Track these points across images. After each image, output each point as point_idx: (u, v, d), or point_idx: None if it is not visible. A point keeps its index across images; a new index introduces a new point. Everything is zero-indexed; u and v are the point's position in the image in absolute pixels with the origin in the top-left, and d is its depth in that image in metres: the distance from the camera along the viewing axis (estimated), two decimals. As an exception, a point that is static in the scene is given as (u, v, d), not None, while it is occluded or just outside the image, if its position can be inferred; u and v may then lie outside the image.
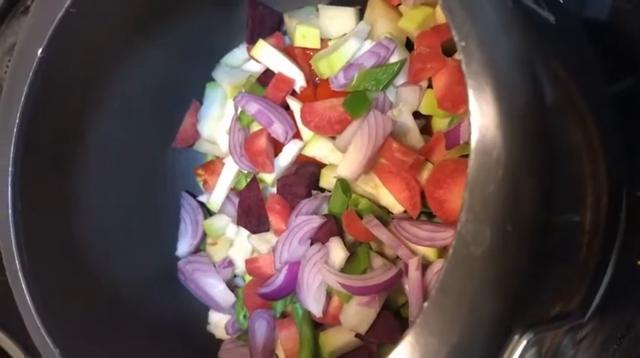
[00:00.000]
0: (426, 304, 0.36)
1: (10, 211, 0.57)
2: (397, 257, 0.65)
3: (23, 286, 0.55)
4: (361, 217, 0.63)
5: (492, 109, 0.35)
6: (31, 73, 0.58)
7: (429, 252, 0.62)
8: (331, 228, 0.65)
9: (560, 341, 0.42)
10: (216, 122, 0.78)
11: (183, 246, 0.79)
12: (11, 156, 0.58)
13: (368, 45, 0.66)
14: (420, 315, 0.36)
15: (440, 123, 0.65)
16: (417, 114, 0.65)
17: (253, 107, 0.69)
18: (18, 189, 0.58)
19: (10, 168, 0.58)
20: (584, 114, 0.48)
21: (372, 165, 0.63)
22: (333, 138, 0.67)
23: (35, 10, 0.59)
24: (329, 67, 0.67)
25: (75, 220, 0.67)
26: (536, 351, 0.37)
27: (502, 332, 0.36)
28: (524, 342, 0.36)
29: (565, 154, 0.44)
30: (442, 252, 0.63)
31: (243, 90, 0.74)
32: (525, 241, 0.35)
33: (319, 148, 0.67)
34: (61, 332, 0.58)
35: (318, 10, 0.75)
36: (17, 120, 0.58)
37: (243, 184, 0.76)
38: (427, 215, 0.64)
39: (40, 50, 0.57)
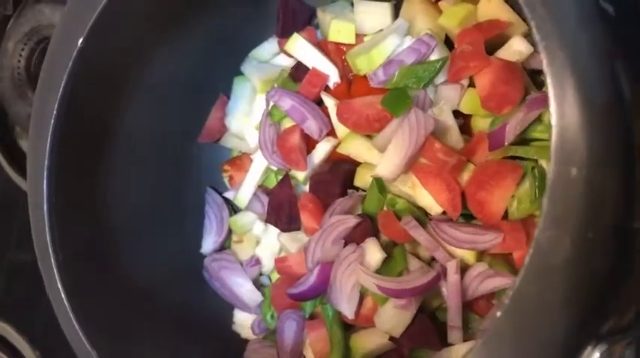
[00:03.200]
0: (499, 313, 0.35)
1: (45, 206, 0.55)
2: (432, 259, 0.64)
3: (57, 281, 0.53)
4: (399, 218, 0.62)
5: (575, 111, 0.33)
6: (70, 63, 0.56)
7: (468, 255, 0.61)
8: (367, 228, 0.63)
9: (622, 354, 0.40)
10: (244, 117, 0.76)
11: (208, 243, 0.77)
12: (47, 148, 0.57)
13: (408, 41, 0.65)
14: (491, 325, 0.35)
15: (481, 123, 0.63)
16: (455, 114, 0.63)
17: (287, 103, 0.67)
18: (53, 183, 0.57)
19: (46, 161, 0.56)
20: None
21: (410, 165, 0.61)
22: (369, 136, 0.66)
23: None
24: (368, 63, 0.65)
25: (104, 214, 0.66)
26: (607, 363, 0.35)
27: (577, 344, 0.35)
28: (597, 354, 0.34)
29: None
30: (481, 255, 0.62)
31: (276, 85, 0.72)
32: (607, 248, 0.34)
33: (355, 146, 0.66)
34: (91, 324, 0.56)
35: (352, 4, 0.73)
36: (55, 112, 0.57)
37: (271, 181, 0.74)
38: (464, 217, 0.62)
39: (80, 40, 0.56)
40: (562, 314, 0.34)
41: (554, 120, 0.34)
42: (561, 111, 0.34)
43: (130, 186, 0.72)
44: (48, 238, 0.54)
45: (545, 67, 0.35)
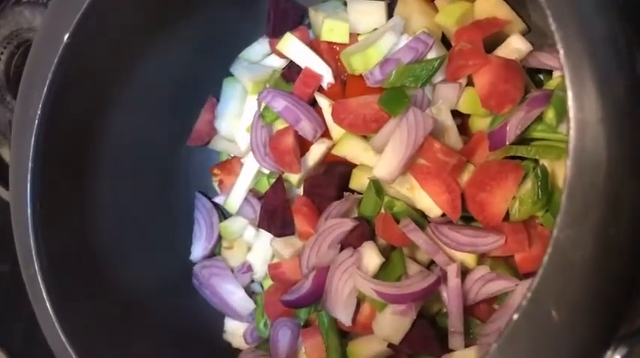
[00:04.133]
0: (516, 316, 0.33)
1: (29, 212, 0.52)
2: (431, 263, 0.62)
3: (42, 291, 0.50)
4: (397, 221, 0.60)
5: (594, 103, 0.32)
6: (55, 60, 0.53)
7: (468, 259, 0.59)
8: (364, 231, 0.62)
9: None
10: (234, 119, 0.74)
11: (198, 250, 0.75)
12: (31, 151, 0.54)
13: (404, 40, 0.63)
14: (508, 327, 0.33)
15: (479, 123, 0.62)
16: (453, 113, 0.62)
17: (280, 104, 0.66)
18: (37, 188, 0.54)
19: (30, 164, 0.53)
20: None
21: (409, 166, 0.60)
22: (365, 137, 0.64)
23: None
24: (363, 62, 0.63)
25: (90, 220, 0.63)
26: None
27: (597, 346, 0.33)
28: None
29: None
30: (481, 258, 0.60)
31: (268, 86, 0.70)
32: (628, 244, 0.32)
33: (351, 147, 0.64)
34: (78, 335, 0.54)
35: (344, 3, 0.72)
36: (38, 115, 0.54)
37: (262, 185, 0.72)
38: (464, 219, 0.61)
39: (66, 36, 0.53)
40: (582, 315, 0.32)
41: (572, 114, 0.33)
42: (580, 104, 0.32)
43: (116, 192, 0.70)
44: (32, 247, 0.52)
45: (562, 58, 0.33)
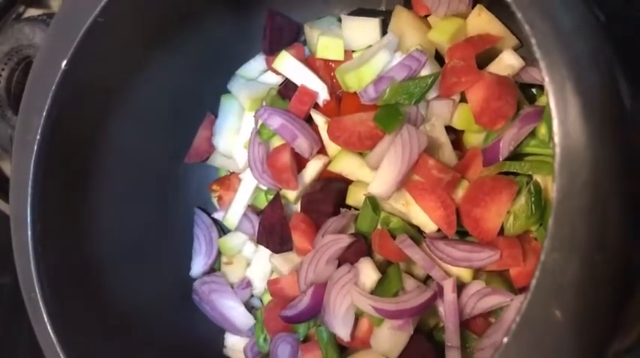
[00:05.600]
0: (506, 339, 0.34)
1: (29, 235, 0.53)
2: (427, 277, 0.63)
3: (43, 313, 0.51)
4: (393, 236, 0.61)
5: (578, 126, 0.32)
6: (53, 87, 0.54)
7: (464, 273, 0.60)
8: (361, 247, 0.62)
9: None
10: (232, 135, 0.75)
11: (198, 266, 0.75)
12: (30, 176, 0.55)
13: (398, 57, 0.64)
14: (499, 352, 0.33)
15: (473, 139, 0.62)
16: (447, 129, 0.63)
17: (276, 121, 0.66)
18: (37, 212, 0.55)
19: (29, 190, 0.54)
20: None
21: (404, 182, 0.60)
22: (361, 153, 0.65)
23: (58, 19, 0.56)
24: (357, 80, 0.64)
25: (89, 239, 0.64)
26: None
27: (586, 367, 0.34)
28: (606, 378, 0.33)
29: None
30: (477, 272, 0.61)
31: (265, 103, 0.71)
32: (613, 269, 0.33)
33: (347, 164, 0.64)
34: (78, 354, 0.54)
35: (339, 20, 0.73)
36: (38, 137, 0.55)
37: (261, 200, 0.73)
38: (459, 234, 0.61)
39: (64, 62, 0.54)
40: (571, 338, 0.33)
41: (557, 138, 0.33)
42: (565, 129, 0.33)
43: (116, 210, 0.70)
44: (33, 271, 0.52)
45: (547, 85, 0.34)
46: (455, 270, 0.60)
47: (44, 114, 0.58)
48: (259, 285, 0.72)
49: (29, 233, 0.54)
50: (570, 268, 0.32)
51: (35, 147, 0.55)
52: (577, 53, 0.34)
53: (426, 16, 0.67)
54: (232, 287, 0.73)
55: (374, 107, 0.64)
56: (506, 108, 0.57)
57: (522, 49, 0.63)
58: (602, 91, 0.34)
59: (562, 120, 0.33)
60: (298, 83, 0.69)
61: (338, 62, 0.69)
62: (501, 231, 0.58)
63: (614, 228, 0.33)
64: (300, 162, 0.68)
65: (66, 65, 0.54)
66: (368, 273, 0.60)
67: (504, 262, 0.57)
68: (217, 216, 0.77)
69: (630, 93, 0.36)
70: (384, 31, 0.69)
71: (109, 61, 0.64)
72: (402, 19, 0.67)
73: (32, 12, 0.94)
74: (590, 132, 0.33)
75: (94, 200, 0.68)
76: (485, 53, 0.61)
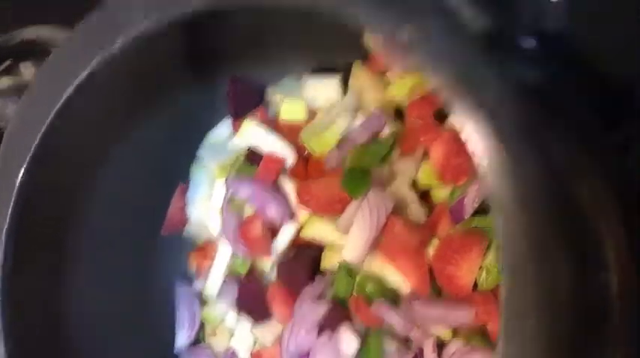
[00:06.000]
0: None
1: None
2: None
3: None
4: (370, 301, 0.60)
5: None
6: (25, 164, 0.55)
7: (444, 332, 0.59)
8: (338, 313, 0.62)
9: None
10: (205, 203, 0.75)
11: (182, 338, 0.75)
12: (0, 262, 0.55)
13: (360, 117, 0.64)
14: None
15: (440, 193, 0.62)
16: (416, 184, 0.63)
17: (245, 192, 0.66)
18: (8, 279, 0.55)
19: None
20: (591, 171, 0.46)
21: (376, 245, 0.60)
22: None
23: (32, 91, 0.57)
24: (322, 145, 0.64)
25: (63, 316, 0.63)
26: None
27: None
28: None
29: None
30: (457, 329, 0.60)
31: (232, 172, 0.71)
32: (576, 317, 0.33)
33: (318, 229, 0.64)
34: None
35: (300, 79, 0.73)
36: (8, 218, 0.56)
37: (239, 266, 0.73)
38: (436, 291, 0.61)
39: (23, 168, 0.55)
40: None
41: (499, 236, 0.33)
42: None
43: (92, 284, 0.70)
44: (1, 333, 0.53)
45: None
46: (434, 329, 0.59)
47: (10, 206, 0.59)
48: (244, 356, 0.71)
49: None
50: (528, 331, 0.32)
51: (3, 235, 0.56)
52: (508, 123, 0.35)
53: (385, 72, 0.67)
54: (218, 358, 0.73)
55: (341, 170, 0.64)
56: (466, 164, 0.57)
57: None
58: (536, 168, 0.34)
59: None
60: (265, 151, 0.69)
61: (302, 122, 0.70)
62: (475, 286, 0.58)
63: (564, 288, 0.34)
64: (273, 229, 0.68)
65: (27, 164, 0.55)
66: (348, 341, 0.60)
67: (480, 318, 0.57)
68: (198, 285, 0.77)
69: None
70: (345, 86, 0.70)
71: (78, 144, 0.64)
72: (360, 77, 0.68)
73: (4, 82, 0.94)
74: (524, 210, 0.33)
75: (70, 273, 0.67)
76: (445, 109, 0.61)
